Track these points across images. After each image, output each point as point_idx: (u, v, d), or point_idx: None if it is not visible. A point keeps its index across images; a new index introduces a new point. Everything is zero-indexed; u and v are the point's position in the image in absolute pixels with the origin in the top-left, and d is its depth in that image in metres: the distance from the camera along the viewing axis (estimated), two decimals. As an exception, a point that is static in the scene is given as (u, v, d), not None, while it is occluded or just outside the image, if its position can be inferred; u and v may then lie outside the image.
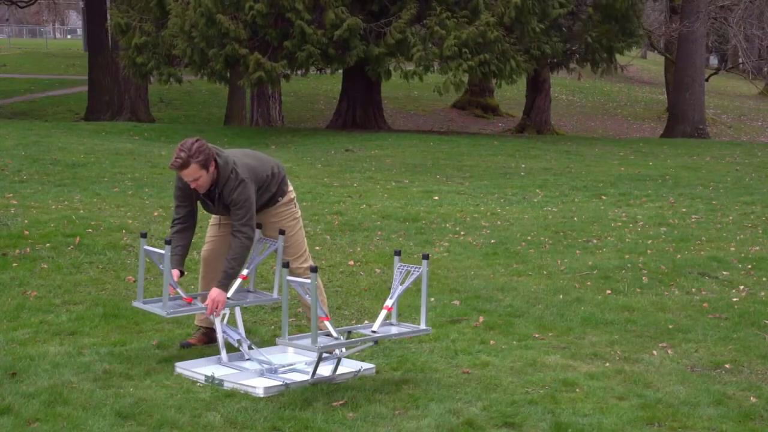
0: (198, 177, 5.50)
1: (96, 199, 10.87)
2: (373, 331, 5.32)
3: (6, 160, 13.50)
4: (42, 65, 40.92)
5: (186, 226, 5.83)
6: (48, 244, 8.37)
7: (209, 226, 6.11)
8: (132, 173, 13.08)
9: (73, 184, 11.93)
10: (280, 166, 6.00)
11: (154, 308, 5.69)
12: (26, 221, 9.15)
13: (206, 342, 6.03)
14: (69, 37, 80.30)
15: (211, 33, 19.04)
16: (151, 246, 5.84)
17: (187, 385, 5.27)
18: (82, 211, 9.91)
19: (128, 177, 12.73)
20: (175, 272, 5.70)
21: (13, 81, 34.67)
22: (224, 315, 5.77)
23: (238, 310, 5.90)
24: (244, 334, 5.81)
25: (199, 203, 5.83)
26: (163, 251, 5.54)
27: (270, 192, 5.85)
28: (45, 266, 7.82)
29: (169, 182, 12.47)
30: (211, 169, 5.53)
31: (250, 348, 5.76)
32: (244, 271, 5.96)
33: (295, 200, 6.09)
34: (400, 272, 5.40)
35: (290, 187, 6.07)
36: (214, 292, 5.56)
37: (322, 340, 5.17)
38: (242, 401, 5.04)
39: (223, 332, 5.70)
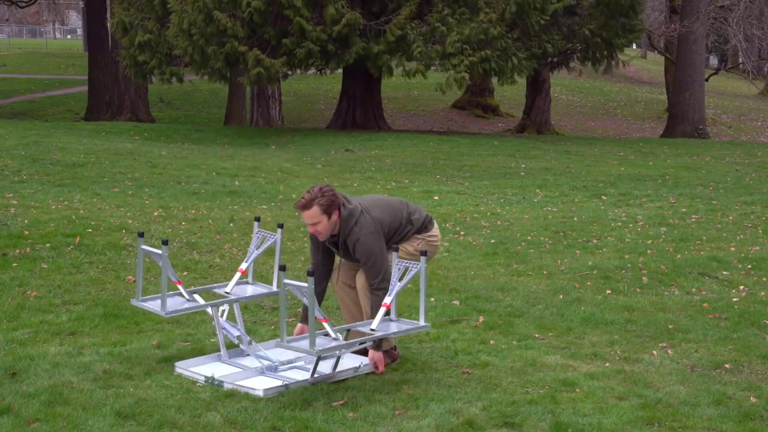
0: (317, 222, 5.38)
1: (96, 199, 10.88)
2: (372, 330, 5.31)
3: (6, 160, 13.50)
4: (42, 65, 40.94)
5: (320, 272, 5.69)
6: (48, 244, 8.37)
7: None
8: (132, 173, 13.08)
9: (73, 184, 11.93)
10: (420, 212, 5.79)
11: (153, 307, 5.68)
12: (26, 221, 9.15)
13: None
14: (69, 37, 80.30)
15: (210, 30, 19.05)
16: (150, 245, 5.82)
17: (187, 385, 5.27)
18: (82, 211, 9.92)
19: (128, 177, 12.73)
20: (299, 327, 5.68)
21: (13, 81, 34.69)
22: (223, 311, 5.76)
23: (237, 306, 5.88)
24: (243, 330, 5.80)
25: None
26: (160, 251, 5.50)
27: (407, 235, 5.69)
28: (45, 266, 7.82)
29: (169, 182, 12.48)
30: (334, 217, 5.41)
31: (249, 344, 5.75)
32: (243, 266, 5.93)
33: (430, 241, 5.80)
34: (399, 269, 5.38)
35: (433, 231, 5.83)
36: (374, 355, 5.49)
37: (321, 342, 5.15)
38: (242, 401, 5.04)
39: (222, 328, 5.69)
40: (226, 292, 5.88)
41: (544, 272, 8.24)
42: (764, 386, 5.41)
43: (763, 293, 7.58)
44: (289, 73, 21.58)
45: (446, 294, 7.45)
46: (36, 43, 62.70)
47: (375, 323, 5.36)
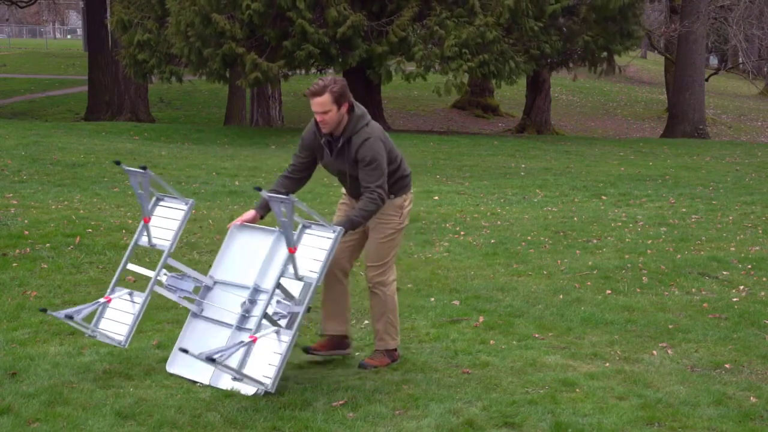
0: (327, 110, 5.26)
1: (96, 199, 10.88)
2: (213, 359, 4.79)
3: (6, 160, 13.51)
4: (42, 65, 40.94)
5: (294, 177, 5.60)
6: (48, 244, 8.37)
7: (338, 204, 5.81)
8: (132, 173, 13.06)
9: (73, 184, 11.93)
10: (410, 170, 5.70)
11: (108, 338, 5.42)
12: (26, 221, 9.15)
13: (331, 348, 5.77)
14: (69, 37, 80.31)
15: (207, 32, 19.03)
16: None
17: (187, 385, 5.27)
18: (82, 211, 9.92)
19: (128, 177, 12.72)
20: (252, 213, 5.53)
21: (13, 81, 34.69)
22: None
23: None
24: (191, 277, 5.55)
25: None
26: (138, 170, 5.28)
27: (390, 180, 5.48)
28: (45, 266, 7.82)
29: (169, 182, 12.46)
30: (343, 109, 5.30)
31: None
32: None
33: (406, 213, 5.66)
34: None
35: (408, 196, 5.68)
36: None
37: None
38: (242, 401, 5.03)
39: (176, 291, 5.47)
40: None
41: (544, 272, 8.24)
42: (764, 386, 5.41)
43: (763, 293, 7.58)
44: (289, 73, 21.56)
45: (446, 294, 7.45)
46: (36, 43, 62.70)
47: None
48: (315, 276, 5.07)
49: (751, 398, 5.20)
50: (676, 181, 14.03)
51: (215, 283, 5.56)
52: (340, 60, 19.86)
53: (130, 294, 5.58)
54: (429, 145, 18.63)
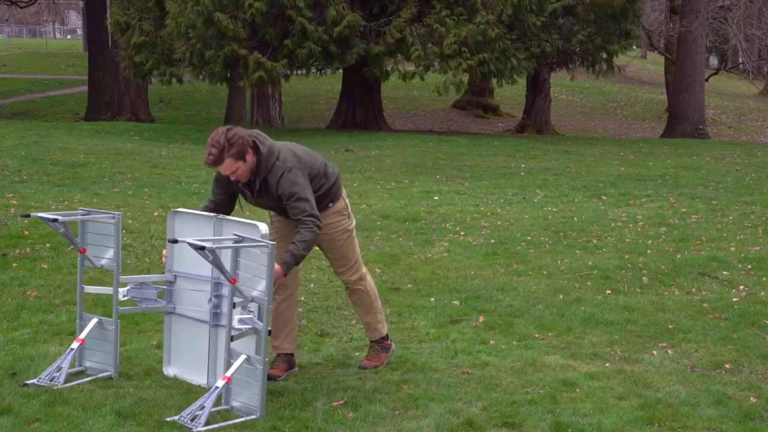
0: (235, 170, 5.10)
1: (96, 199, 10.87)
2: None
3: (6, 160, 13.51)
4: (42, 65, 40.93)
5: (219, 210, 5.38)
6: (48, 244, 8.37)
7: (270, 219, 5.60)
8: (132, 173, 13.08)
9: (73, 184, 11.93)
10: (335, 168, 5.53)
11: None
12: (26, 221, 9.15)
13: (289, 368, 5.59)
14: (69, 37, 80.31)
15: (209, 33, 19.02)
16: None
17: (187, 386, 5.27)
18: (82, 211, 9.91)
19: (128, 177, 12.73)
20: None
21: (13, 81, 34.67)
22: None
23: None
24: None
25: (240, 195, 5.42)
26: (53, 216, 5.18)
27: (321, 192, 5.36)
28: (45, 266, 7.82)
29: (168, 182, 12.48)
30: (248, 158, 5.11)
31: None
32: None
33: (348, 209, 5.59)
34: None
35: (344, 194, 5.58)
36: (276, 269, 4.91)
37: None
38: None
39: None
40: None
41: (544, 272, 8.24)
42: (764, 386, 5.41)
43: (763, 293, 7.58)
44: (288, 73, 21.57)
45: (446, 294, 7.45)
46: (36, 43, 62.68)
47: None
48: (264, 297, 4.87)
49: (751, 398, 5.20)
50: (676, 181, 14.03)
51: (175, 276, 5.44)
52: (339, 59, 19.87)
53: (100, 322, 5.49)
54: (429, 145, 18.63)
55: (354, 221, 5.67)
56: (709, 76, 33.35)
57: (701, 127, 25.54)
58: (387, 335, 5.81)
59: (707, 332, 6.48)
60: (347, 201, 5.64)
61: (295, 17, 18.97)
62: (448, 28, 19.50)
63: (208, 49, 19.24)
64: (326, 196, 5.43)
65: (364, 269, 5.72)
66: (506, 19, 19.80)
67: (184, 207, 10.54)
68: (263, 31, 19.40)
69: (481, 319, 6.74)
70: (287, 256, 5.07)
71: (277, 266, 4.93)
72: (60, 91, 32.70)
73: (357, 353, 5.94)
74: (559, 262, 8.63)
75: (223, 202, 5.43)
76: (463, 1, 19.99)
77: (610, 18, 21.38)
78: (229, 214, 5.36)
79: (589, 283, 7.88)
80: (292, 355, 5.61)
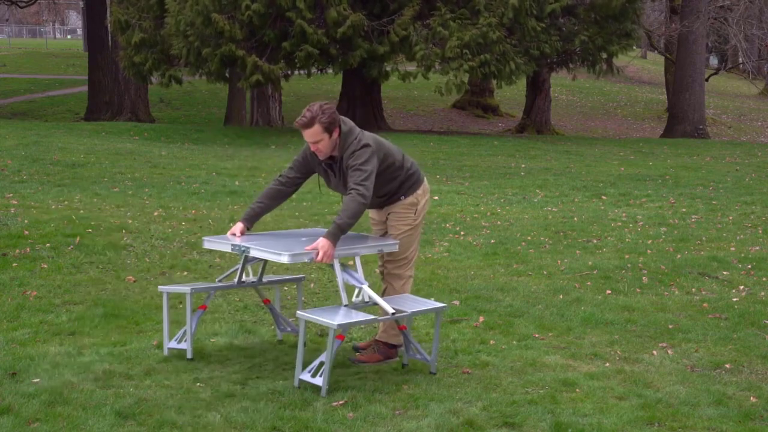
0: (319, 140, 5.33)
1: (96, 199, 10.88)
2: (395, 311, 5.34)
3: (6, 160, 13.51)
4: (42, 65, 40.94)
5: (282, 189, 5.65)
6: (48, 244, 8.37)
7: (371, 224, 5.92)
8: (132, 173, 13.08)
9: (73, 184, 11.93)
10: (416, 166, 5.74)
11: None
12: (26, 221, 9.15)
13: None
14: (69, 37, 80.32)
15: (207, 32, 19.01)
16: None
17: (187, 385, 5.27)
18: (82, 211, 9.92)
19: (128, 177, 12.73)
20: (239, 226, 5.59)
21: (13, 81, 34.68)
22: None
23: (357, 258, 5.61)
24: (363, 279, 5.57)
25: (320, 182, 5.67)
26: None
27: (395, 183, 5.59)
28: (45, 266, 7.82)
29: (168, 182, 12.48)
30: (335, 135, 5.35)
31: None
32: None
33: (420, 209, 5.74)
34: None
35: (420, 192, 5.74)
36: (323, 242, 5.21)
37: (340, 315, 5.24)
38: (242, 401, 5.04)
39: (346, 273, 5.50)
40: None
41: (544, 272, 8.24)
42: (764, 386, 5.41)
43: (763, 293, 7.58)
44: (289, 72, 21.56)
45: (446, 294, 7.45)
46: (36, 43, 62.70)
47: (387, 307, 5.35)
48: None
49: (751, 398, 5.20)
50: (676, 181, 14.03)
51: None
52: (341, 60, 19.85)
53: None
54: (429, 145, 18.62)
55: (420, 221, 5.79)
56: (709, 76, 33.35)
57: (701, 127, 25.56)
58: (396, 347, 5.82)
59: (707, 332, 6.48)
60: (424, 200, 5.78)
61: (294, 19, 18.95)
62: (451, 31, 19.49)
63: (205, 47, 19.22)
64: (400, 188, 5.64)
65: (410, 272, 5.79)
66: (507, 22, 19.80)
67: (184, 207, 10.58)
68: (261, 33, 19.38)
69: (481, 319, 6.74)
70: (332, 227, 5.30)
71: (323, 240, 5.22)
72: (60, 91, 32.70)
73: (357, 353, 5.94)
74: (559, 262, 8.63)
75: (294, 183, 5.67)
76: (466, 3, 19.99)
77: (610, 18, 21.38)
78: (290, 196, 5.71)
79: (589, 283, 7.88)
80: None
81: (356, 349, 5.91)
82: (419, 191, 5.74)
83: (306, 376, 5.19)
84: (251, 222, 5.65)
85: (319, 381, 5.13)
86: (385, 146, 5.53)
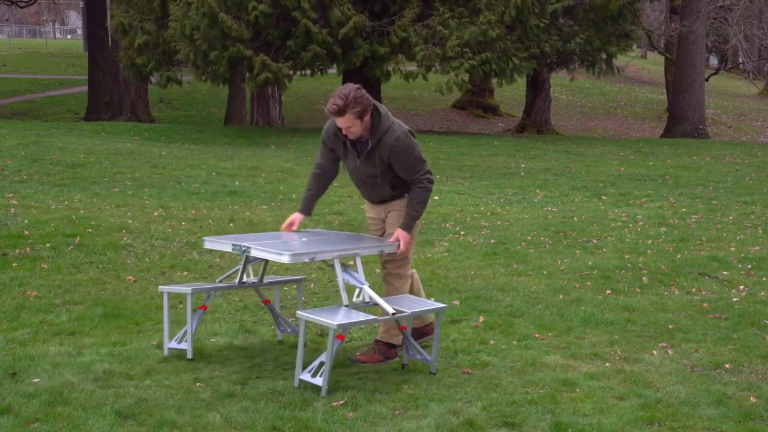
0: (351, 126, 5.38)
1: (96, 199, 10.88)
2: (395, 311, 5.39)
3: (6, 160, 13.50)
4: (42, 65, 40.92)
5: (323, 173, 5.78)
6: (48, 244, 8.37)
7: (367, 217, 6.00)
8: (132, 173, 13.08)
9: (73, 184, 11.93)
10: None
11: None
12: (26, 221, 9.15)
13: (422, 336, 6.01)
14: (69, 37, 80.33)
15: (213, 34, 18.99)
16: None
17: (187, 385, 5.27)
18: (82, 211, 9.92)
19: (128, 177, 12.73)
20: (298, 216, 5.69)
21: (13, 81, 34.67)
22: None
23: (358, 259, 5.65)
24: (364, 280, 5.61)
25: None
26: None
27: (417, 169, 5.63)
28: (45, 266, 7.82)
29: (168, 182, 12.47)
30: (367, 118, 5.40)
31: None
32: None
33: None
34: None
35: None
36: (402, 233, 5.52)
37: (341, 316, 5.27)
38: (242, 401, 5.04)
39: (347, 273, 5.54)
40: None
41: (544, 272, 8.24)
42: (764, 386, 5.41)
43: (763, 293, 7.58)
44: (291, 73, 21.56)
45: (446, 294, 7.45)
46: (36, 43, 62.68)
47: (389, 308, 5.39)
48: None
49: (751, 398, 5.20)
50: (676, 181, 14.03)
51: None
52: (343, 59, 19.85)
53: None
54: (429, 145, 18.62)
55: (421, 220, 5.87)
56: (709, 76, 33.35)
57: (701, 127, 25.55)
58: (396, 347, 5.82)
59: (707, 332, 6.48)
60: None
61: (299, 18, 18.94)
62: (450, 30, 19.49)
63: (212, 50, 19.21)
64: (405, 185, 5.67)
65: (408, 272, 5.82)
66: (508, 21, 19.79)
67: (184, 207, 10.58)
68: (266, 32, 19.38)
69: (481, 319, 6.74)
70: (406, 218, 5.47)
71: (402, 231, 5.43)
72: (60, 91, 32.69)
73: (357, 352, 5.94)
74: (559, 262, 8.63)
75: (329, 167, 5.79)
76: (466, 2, 19.98)
77: (609, 19, 21.37)
78: (334, 177, 5.83)
79: (589, 283, 7.88)
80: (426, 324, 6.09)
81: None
82: None
83: (306, 376, 5.19)
84: (308, 211, 5.81)
85: (319, 381, 5.13)
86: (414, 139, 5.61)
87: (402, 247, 5.51)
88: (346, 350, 6.06)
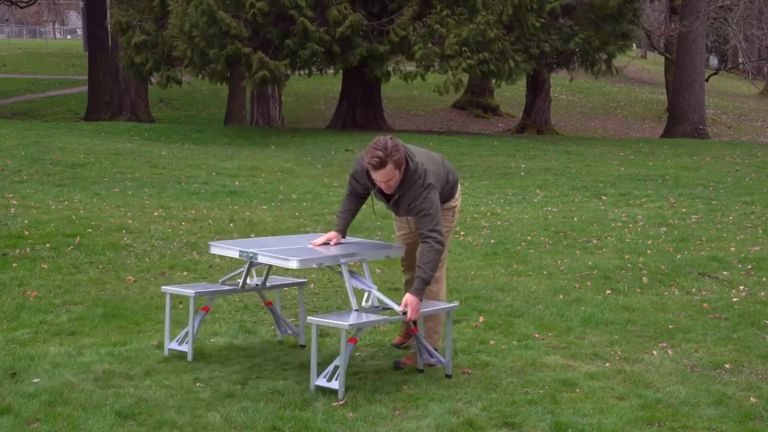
0: (391, 177, 5.26)
1: (96, 199, 10.87)
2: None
3: (6, 160, 13.50)
4: (42, 65, 40.91)
5: (355, 196, 5.65)
6: (48, 244, 8.37)
7: (397, 234, 5.95)
8: (132, 173, 13.08)
9: (73, 184, 11.93)
10: (454, 173, 5.77)
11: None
12: (26, 221, 9.15)
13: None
14: (69, 37, 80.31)
15: (212, 32, 18.99)
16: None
17: (187, 385, 5.27)
18: (82, 211, 9.92)
19: (128, 177, 12.73)
20: (335, 234, 5.61)
21: (13, 81, 34.66)
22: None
23: (365, 264, 5.65)
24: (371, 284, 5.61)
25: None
26: None
27: (444, 192, 5.61)
28: (45, 266, 7.81)
29: (168, 182, 12.47)
30: (401, 168, 5.28)
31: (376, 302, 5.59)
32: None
33: (456, 210, 5.83)
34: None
35: (457, 195, 5.80)
36: (411, 299, 5.29)
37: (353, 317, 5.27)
38: (242, 401, 5.03)
39: (355, 278, 5.53)
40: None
41: (544, 272, 8.24)
42: (764, 386, 5.41)
43: (763, 293, 7.58)
44: (289, 73, 21.55)
45: (446, 294, 7.44)
46: (36, 43, 62.66)
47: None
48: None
49: (751, 398, 5.20)
50: (676, 181, 14.03)
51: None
52: (341, 59, 19.85)
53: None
54: (429, 145, 18.56)
55: (453, 224, 5.83)
56: (709, 76, 33.34)
57: (701, 127, 25.54)
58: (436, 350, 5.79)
59: (707, 332, 6.48)
60: (457, 203, 5.82)
61: (296, 17, 18.95)
62: (449, 29, 19.49)
63: (210, 48, 19.21)
64: (444, 194, 5.61)
65: (441, 272, 5.74)
66: (506, 20, 19.78)
67: (184, 207, 10.58)
68: (264, 31, 19.38)
69: (481, 319, 6.74)
70: (417, 282, 5.33)
71: (411, 297, 5.27)
72: (60, 91, 32.69)
73: (357, 353, 5.94)
74: (559, 262, 8.63)
75: (361, 195, 5.66)
76: (464, 1, 19.98)
77: (608, 19, 21.35)
78: (365, 199, 5.67)
79: (589, 283, 7.88)
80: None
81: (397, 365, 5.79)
82: (456, 194, 5.77)
83: (322, 382, 5.18)
84: (345, 232, 5.70)
85: (335, 385, 5.13)
86: (439, 176, 5.49)
87: (410, 314, 5.30)
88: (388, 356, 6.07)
